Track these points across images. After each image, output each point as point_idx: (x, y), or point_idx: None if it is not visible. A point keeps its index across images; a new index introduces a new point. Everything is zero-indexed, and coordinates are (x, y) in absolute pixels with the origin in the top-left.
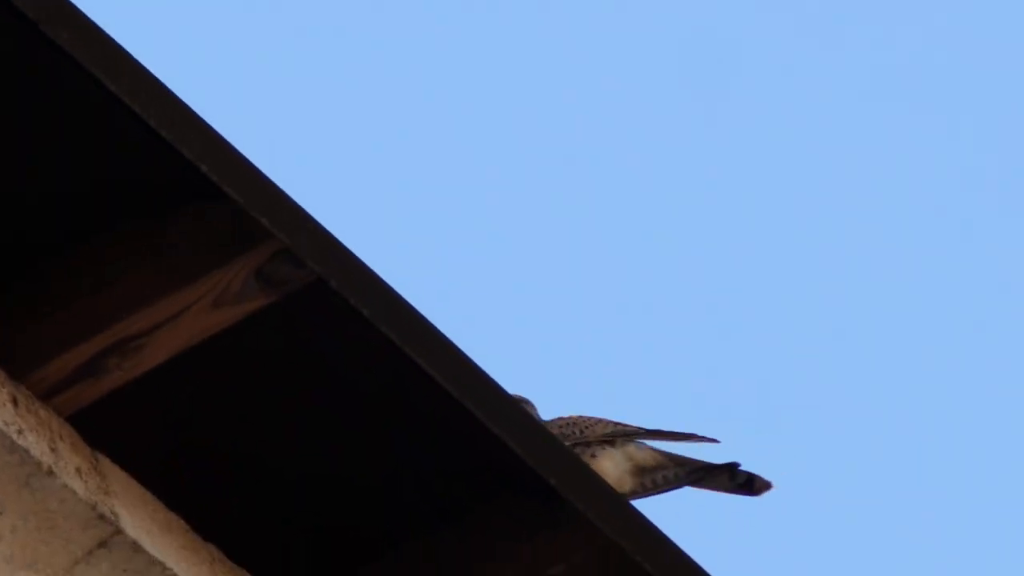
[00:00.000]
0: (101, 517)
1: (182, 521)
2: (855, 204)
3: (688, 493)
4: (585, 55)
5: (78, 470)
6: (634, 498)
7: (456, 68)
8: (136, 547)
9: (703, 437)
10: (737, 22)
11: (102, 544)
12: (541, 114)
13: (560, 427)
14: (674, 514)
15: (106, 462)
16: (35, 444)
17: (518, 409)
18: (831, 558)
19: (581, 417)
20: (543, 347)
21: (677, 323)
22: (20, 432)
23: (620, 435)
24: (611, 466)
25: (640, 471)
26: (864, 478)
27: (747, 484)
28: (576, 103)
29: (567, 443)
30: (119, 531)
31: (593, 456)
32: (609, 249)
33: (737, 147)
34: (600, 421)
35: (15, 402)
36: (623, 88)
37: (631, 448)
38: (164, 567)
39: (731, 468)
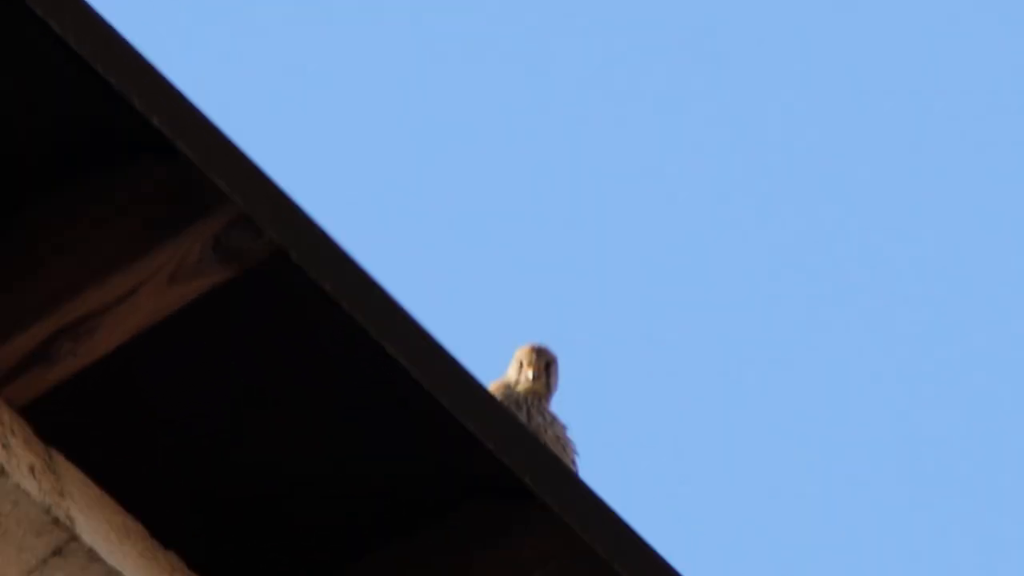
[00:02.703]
0: (56, 522)
1: (140, 526)
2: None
3: (675, 500)
4: (568, 48)
5: (31, 468)
6: None
7: (437, 53)
8: (92, 555)
9: None
10: (734, 19)
11: (57, 552)
12: (520, 101)
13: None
14: (657, 519)
15: (60, 459)
16: None
17: (491, 401)
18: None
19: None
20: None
21: (655, 315)
22: None
23: None
24: None
25: None
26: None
27: None
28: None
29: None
30: (74, 537)
31: None
32: (587, 239)
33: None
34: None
35: None
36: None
37: None
38: None
39: None
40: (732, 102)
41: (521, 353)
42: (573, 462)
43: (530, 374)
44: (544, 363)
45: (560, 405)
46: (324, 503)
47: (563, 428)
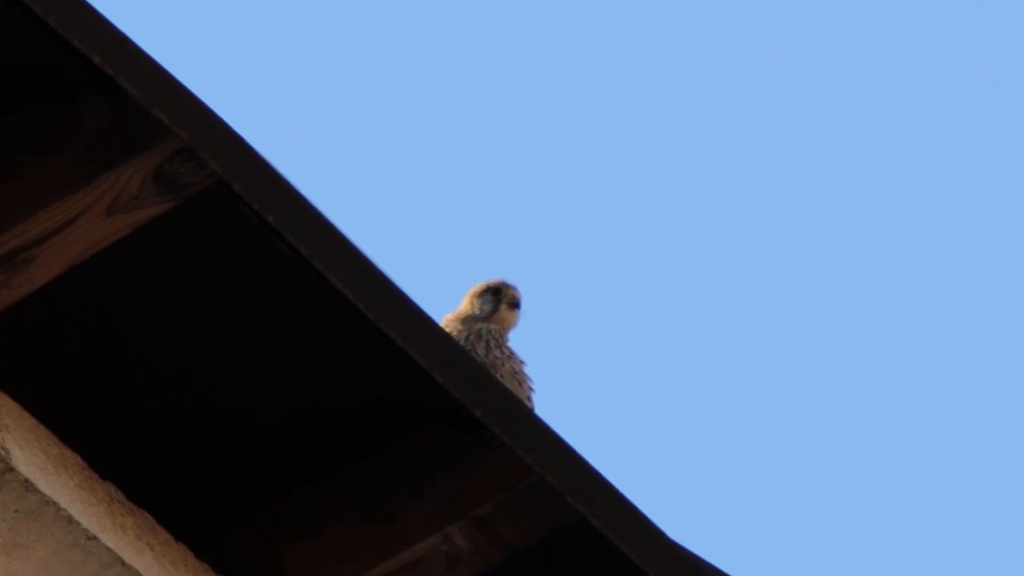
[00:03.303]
0: None
1: (78, 457)
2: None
3: (636, 438)
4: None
5: None
6: None
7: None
8: (28, 486)
9: None
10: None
11: None
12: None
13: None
14: (612, 451)
15: None
16: None
17: (440, 333)
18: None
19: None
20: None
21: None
22: None
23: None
24: None
25: None
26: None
27: None
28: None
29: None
30: (10, 468)
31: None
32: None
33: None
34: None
35: None
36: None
37: None
38: (58, 507)
39: None
40: (729, 97)
41: (488, 287)
42: (529, 397)
43: (511, 307)
44: (517, 298)
45: (522, 343)
46: (272, 434)
47: (520, 363)
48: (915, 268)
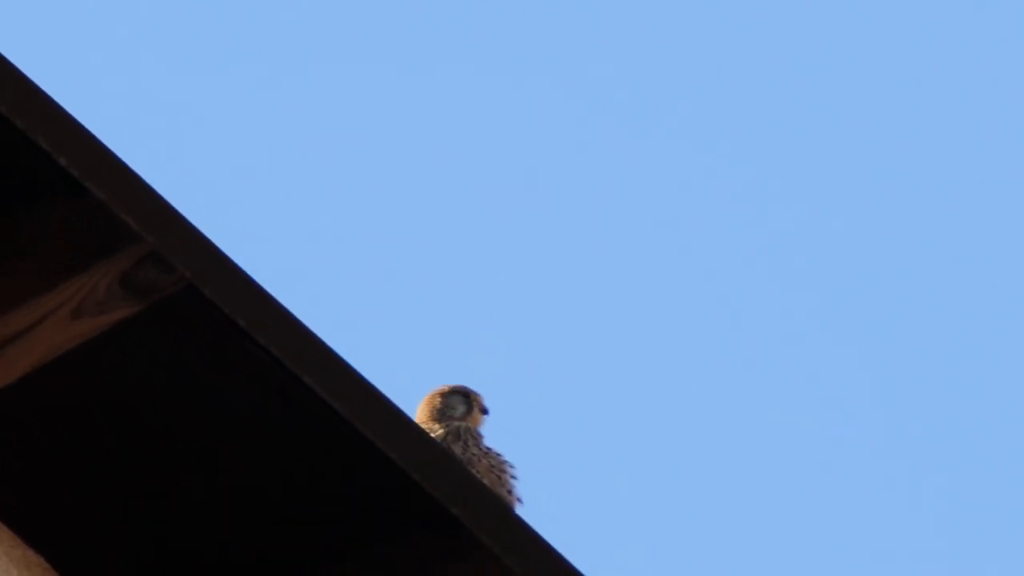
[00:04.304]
0: None
1: (41, 559)
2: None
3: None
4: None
5: None
6: None
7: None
8: None
9: None
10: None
11: None
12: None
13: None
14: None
15: None
16: None
17: (415, 429)
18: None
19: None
20: (443, 366)
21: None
22: None
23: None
24: None
25: None
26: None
27: None
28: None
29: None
30: None
31: None
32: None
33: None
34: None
35: None
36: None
37: None
38: None
39: None
40: (723, 99)
41: (455, 390)
42: (511, 490)
43: (481, 412)
44: (484, 405)
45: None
46: (245, 536)
47: (498, 456)
48: (913, 267)
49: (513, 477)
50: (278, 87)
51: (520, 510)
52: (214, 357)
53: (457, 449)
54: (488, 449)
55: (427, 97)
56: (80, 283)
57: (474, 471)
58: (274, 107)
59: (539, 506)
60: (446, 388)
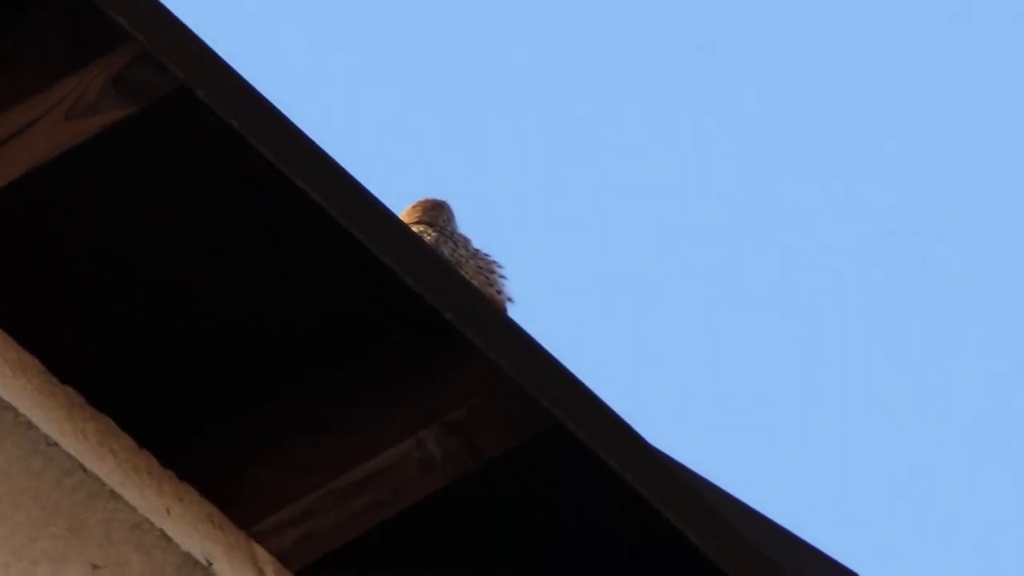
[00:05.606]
0: None
1: (36, 361)
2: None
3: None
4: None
5: None
6: None
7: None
8: None
9: None
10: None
11: None
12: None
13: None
14: (591, 356)
15: None
16: None
17: (409, 234)
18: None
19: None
20: (435, 174)
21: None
22: None
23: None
24: None
25: None
26: None
27: None
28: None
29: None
30: None
31: None
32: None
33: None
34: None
35: None
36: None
37: None
38: (16, 412)
39: None
40: (726, 94)
41: (436, 203)
42: (500, 290)
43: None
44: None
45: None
46: (238, 342)
47: (486, 257)
48: (913, 267)
49: (502, 276)
50: None
51: (512, 309)
52: (208, 161)
53: (446, 251)
54: (476, 251)
55: None
56: (72, 85)
57: (463, 273)
58: None
59: (531, 304)
60: (430, 201)
